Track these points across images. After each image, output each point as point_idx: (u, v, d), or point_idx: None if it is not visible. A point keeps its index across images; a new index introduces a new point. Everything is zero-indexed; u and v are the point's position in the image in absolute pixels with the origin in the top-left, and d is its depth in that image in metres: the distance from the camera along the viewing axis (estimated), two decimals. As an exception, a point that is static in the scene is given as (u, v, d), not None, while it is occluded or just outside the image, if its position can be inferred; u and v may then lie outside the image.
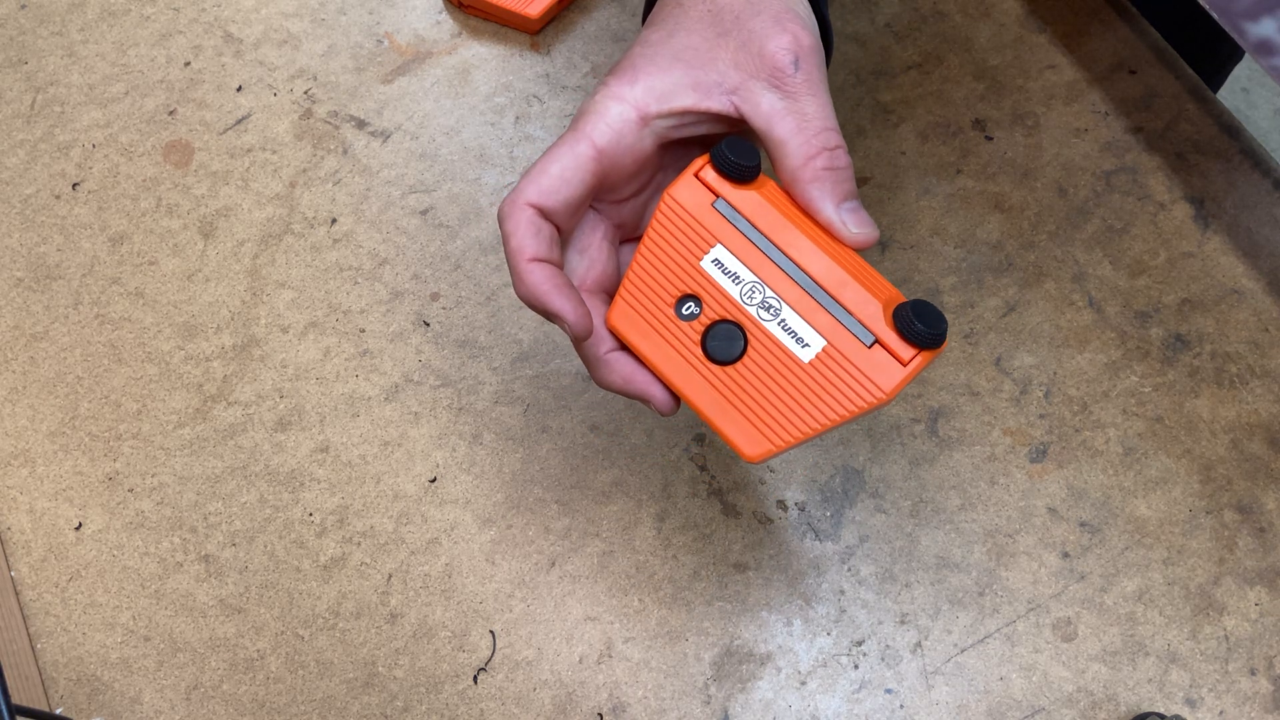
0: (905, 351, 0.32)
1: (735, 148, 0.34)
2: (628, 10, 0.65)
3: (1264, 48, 0.47)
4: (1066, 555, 0.49)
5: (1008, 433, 0.52)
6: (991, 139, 0.59)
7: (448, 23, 0.65)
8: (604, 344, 0.36)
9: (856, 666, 0.48)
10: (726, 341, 0.34)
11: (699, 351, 0.34)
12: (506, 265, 0.35)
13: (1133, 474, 0.51)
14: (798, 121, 0.34)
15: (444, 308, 0.56)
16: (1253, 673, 0.47)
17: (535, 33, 0.65)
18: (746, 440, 0.34)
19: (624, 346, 0.36)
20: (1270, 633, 0.48)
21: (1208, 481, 0.51)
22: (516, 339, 0.55)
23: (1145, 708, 0.46)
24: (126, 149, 0.61)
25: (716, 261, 0.34)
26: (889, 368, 0.32)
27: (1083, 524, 0.50)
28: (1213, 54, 0.69)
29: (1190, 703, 0.47)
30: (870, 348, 0.33)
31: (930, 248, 0.56)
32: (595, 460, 0.52)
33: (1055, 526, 0.50)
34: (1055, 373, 0.53)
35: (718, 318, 0.34)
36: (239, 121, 0.62)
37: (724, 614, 0.49)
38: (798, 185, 0.34)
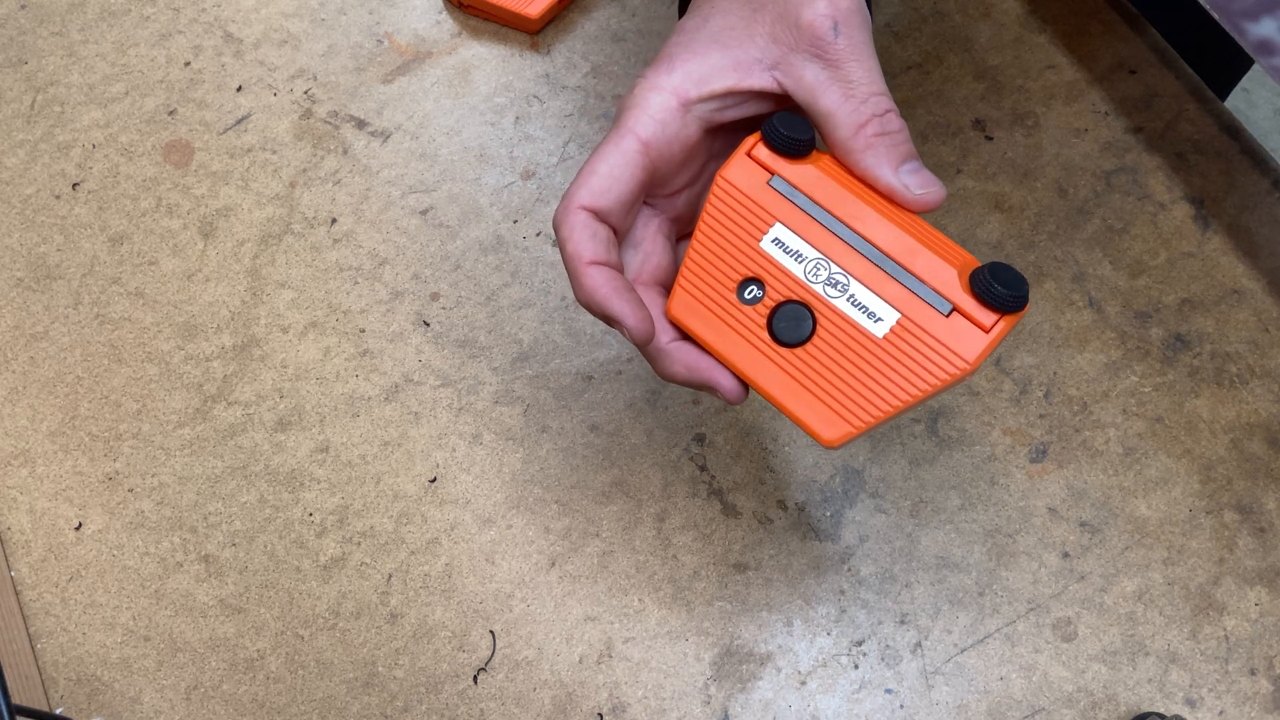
0: (986, 318, 0.31)
1: (786, 122, 0.33)
2: (628, 10, 0.65)
3: (1264, 48, 0.48)
4: (1066, 555, 0.49)
5: (1008, 433, 0.52)
6: (991, 139, 0.59)
7: (448, 23, 0.65)
8: (664, 334, 0.35)
9: (856, 666, 0.48)
10: (794, 322, 0.32)
11: (765, 335, 0.33)
12: (565, 270, 0.34)
13: (1133, 474, 0.51)
14: (844, 90, 0.33)
15: (444, 308, 0.56)
16: (1253, 673, 0.47)
17: (535, 33, 0.65)
18: (823, 424, 0.32)
19: (685, 335, 0.35)
20: (1270, 633, 0.48)
21: (1208, 481, 0.51)
22: (516, 339, 0.55)
23: (1145, 708, 0.46)
24: (126, 149, 0.61)
25: (777, 241, 0.33)
26: (970, 336, 0.31)
27: (1083, 524, 0.50)
28: (1224, 64, 0.69)
29: (1190, 703, 0.47)
30: (948, 316, 0.31)
31: (930, 248, 0.56)
32: (595, 460, 0.52)
33: (1055, 526, 0.50)
34: (1055, 373, 0.53)
35: (783, 299, 0.33)
36: (239, 121, 0.62)
37: (724, 614, 0.49)
38: (852, 155, 0.33)
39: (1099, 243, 0.56)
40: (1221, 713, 0.46)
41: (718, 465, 0.52)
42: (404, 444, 0.53)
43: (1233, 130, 0.59)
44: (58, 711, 0.48)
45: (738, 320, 0.33)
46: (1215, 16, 0.49)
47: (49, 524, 0.52)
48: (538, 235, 0.58)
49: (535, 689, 0.48)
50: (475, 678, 0.48)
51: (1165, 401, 0.52)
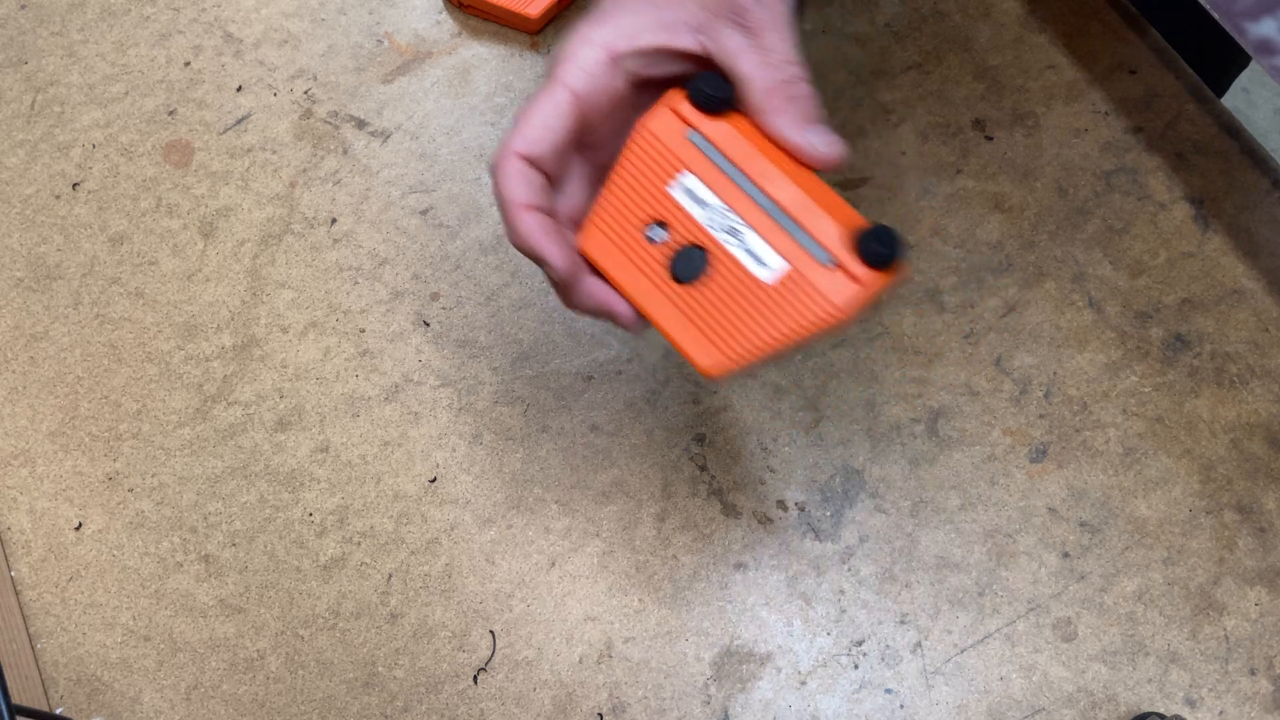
0: (863, 272, 0.33)
1: (709, 81, 0.35)
2: (628, 10, 0.65)
3: (1264, 47, 0.48)
4: (1066, 555, 0.49)
5: (1008, 433, 0.52)
6: (991, 139, 0.59)
7: (448, 23, 0.65)
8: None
9: (856, 666, 0.48)
10: (690, 263, 0.35)
11: (664, 273, 0.36)
12: (501, 219, 0.37)
13: (1133, 474, 0.51)
14: (760, 56, 0.35)
15: (444, 308, 0.56)
16: (1253, 673, 0.47)
17: (535, 33, 0.65)
18: (705, 355, 0.35)
19: (594, 270, 0.38)
20: (1270, 633, 0.48)
21: (1208, 481, 0.51)
22: (516, 339, 0.55)
23: (1145, 708, 0.46)
24: (126, 149, 0.61)
25: (685, 188, 0.35)
26: (846, 287, 0.34)
27: (1083, 524, 0.50)
28: (1218, 60, 0.69)
29: (1190, 703, 0.47)
30: (830, 269, 0.34)
31: (930, 248, 0.56)
32: (595, 460, 0.52)
33: (1055, 526, 0.50)
34: (1055, 373, 0.53)
35: (684, 242, 0.35)
36: (239, 121, 0.62)
37: (724, 614, 0.49)
38: (763, 116, 0.35)
39: (1099, 243, 0.56)
40: (1221, 713, 0.46)
41: (718, 465, 0.52)
42: (404, 444, 0.53)
43: (1233, 130, 0.59)
44: (58, 711, 0.48)
45: (640, 257, 0.36)
46: (1215, 16, 0.49)
47: (49, 524, 0.52)
48: (538, 235, 0.58)
49: (535, 689, 0.48)
50: (475, 678, 0.48)
51: (1165, 401, 0.52)
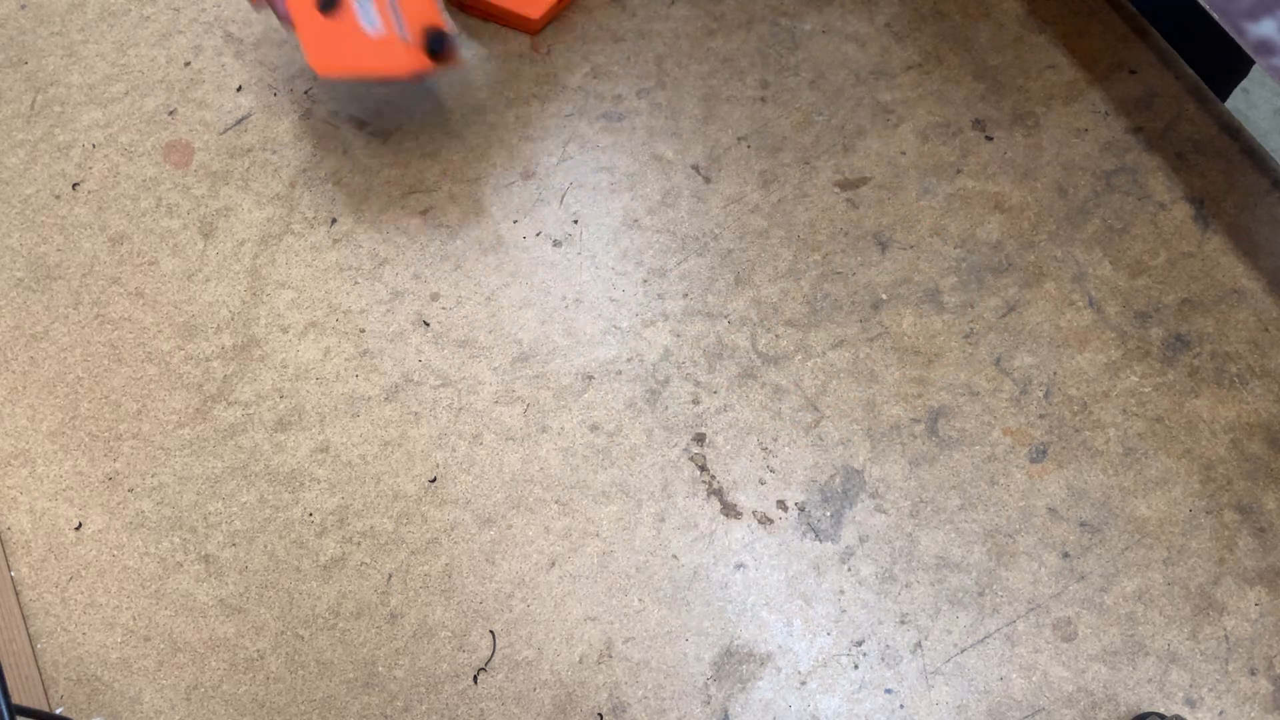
0: (420, 56, 0.55)
1: None
2: (628, 10, 0.65)
3: (1264, 48, 0.48)
4: (1066, 555, 0.49)
5: (1008, 433, 0.52)
6: (991, 139, 0.59)
7: (448, 23, 0.65)
8: None
9: (856, 666, 0.48)
10: (330, 4, 0.55)
11: (314, 2, 0.56)
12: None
13: (1133, 474, 0.51)
14: None
15: (444, 308, 0.56)
16: (1253, 673, 0.47)
17: (535, 33, 0.65)
18: (316, 58, 0.56)
19: None
20: (1270, 633, 0.48)
21: (1208, 481, 0.51)
22: (516, 339, 0.55)
23: (1145, 708, 0.47)
24: (126, 149, 0.61)
25: None
26: (409, 59, 0.54)
27: (1083, 524, 0.50)
28: (1224, 65, 0.69)
29: (1190, 703, 0.47)
30: (405, 44, 0.54)
31: (930, 248, 0.56)
32: (595, 460, 0.52)
33: (1055, 526, 0.50)
34: (1055, 373, 0.53)
35: None
36: (239, 121, 0.62)
37: (724, 614, 0.49)
38: None
39: (1099, 243, 0.56)
40: (1221, 713, 0.46)
41: (718, 465, 0.52)
42: (404, 444, 0.53)
43: (1233, 130, 0.59)
44: (58, 711, 0.48)
45: None
46: (1215, 17, 0.49)
47: (49, 524, 0.52)
48: (538, 235, 0.58)
49: (535, 689, 0.48)
50: (475, 678, 0.48)
51: (1165, 401, 0.52)
